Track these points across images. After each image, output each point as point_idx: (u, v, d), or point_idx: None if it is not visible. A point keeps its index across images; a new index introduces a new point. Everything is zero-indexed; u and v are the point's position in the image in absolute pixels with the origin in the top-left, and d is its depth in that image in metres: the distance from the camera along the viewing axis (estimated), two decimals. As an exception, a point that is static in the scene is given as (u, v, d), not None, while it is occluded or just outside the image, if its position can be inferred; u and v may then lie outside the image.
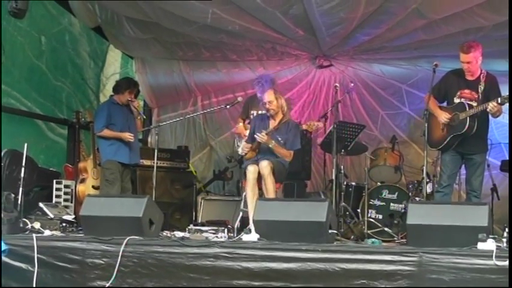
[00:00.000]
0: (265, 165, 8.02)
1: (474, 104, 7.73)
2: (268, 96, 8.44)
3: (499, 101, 7.46)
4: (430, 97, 8.03)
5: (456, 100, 7.90)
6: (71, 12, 10.54)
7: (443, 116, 7.81)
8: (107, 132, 9.03)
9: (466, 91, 7.86)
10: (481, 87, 7.77)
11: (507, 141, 9.59)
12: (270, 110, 8.43)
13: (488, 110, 7.56)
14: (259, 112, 9.03)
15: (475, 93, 7.79)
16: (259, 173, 8.09)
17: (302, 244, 6.30)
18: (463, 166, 8.05)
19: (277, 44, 10.75)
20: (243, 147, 8.63)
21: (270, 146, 8.20)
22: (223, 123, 11.84)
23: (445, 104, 8.07)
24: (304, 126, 9.62)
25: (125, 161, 9.11)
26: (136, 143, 9.44)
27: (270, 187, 8.00)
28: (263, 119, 8.61)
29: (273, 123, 8.44)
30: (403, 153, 9.90)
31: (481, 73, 7.85)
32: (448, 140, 7.82)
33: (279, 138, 8.28)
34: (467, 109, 7.68)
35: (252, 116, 9.32)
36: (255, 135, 8.32)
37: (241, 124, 9.52)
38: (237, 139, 9.65)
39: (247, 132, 9.02)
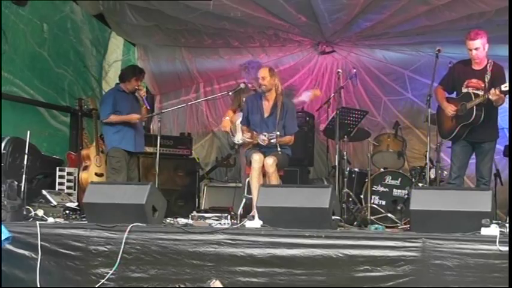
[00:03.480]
0: (270, 164, 7.98)
1: (480, 92, 7.72)
2: (262, 71, 8.36)
3: (501, 89, 7.45)
4: (438, 89, 8.05)
5: (464, 90, 7.90)
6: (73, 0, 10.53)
7: (449, 109, 7.84)
8: (113, 118, 8.98)
9: (473, 80, 7.85)
10: (488, 76, 7.76)
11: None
12: (262, 86, 8.29)
13: (490, 98, 7.56)
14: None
15: (482, 82, 7.77)
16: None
17: (305, 230, 6.31)
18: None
19: (279, 31, 10.72)
20: (243, 137, 8.57)
21: (273, 141, 8.06)
22: (225, 110, 11.80)
23: (454, 94, 8.06)
24: (305, 99, 9.64)
25: (130, 148, 9.08)
26: (141, 131, 9.44)
27: (274, 183, 7.97)
28: (255, 99, 8.50)
29: (266, 105, 8.35)
30: (406, 139, 9.88)
31: (488, 62, 7.84)
32: (457, 130, 7.82)
33: (278, 133, 8.07)
34: (473, 98, 7.68)
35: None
36: (259, 142, 8.16)
37: (227, 118, 9.28)
38: (230, 132, 9.44)
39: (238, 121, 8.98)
